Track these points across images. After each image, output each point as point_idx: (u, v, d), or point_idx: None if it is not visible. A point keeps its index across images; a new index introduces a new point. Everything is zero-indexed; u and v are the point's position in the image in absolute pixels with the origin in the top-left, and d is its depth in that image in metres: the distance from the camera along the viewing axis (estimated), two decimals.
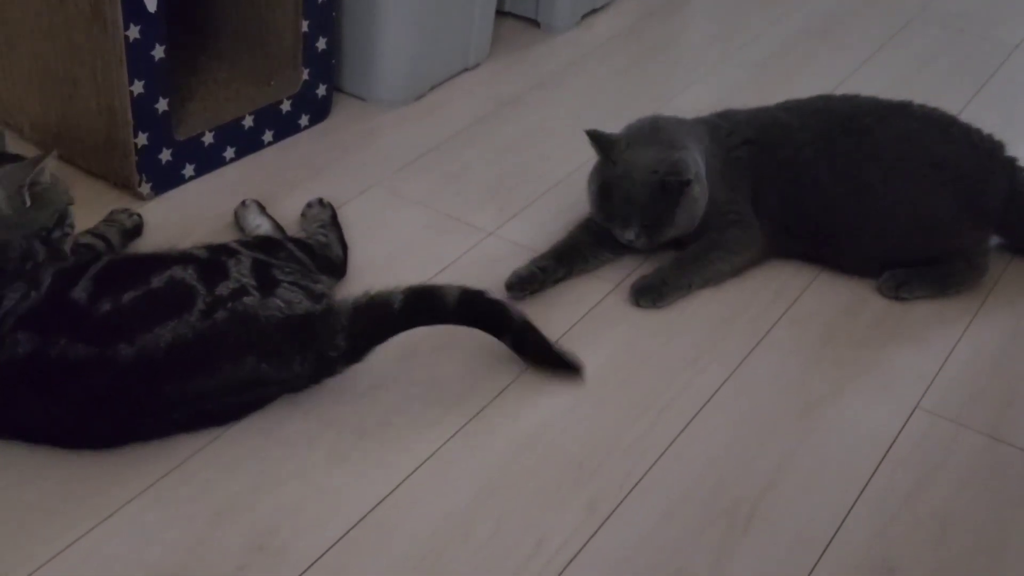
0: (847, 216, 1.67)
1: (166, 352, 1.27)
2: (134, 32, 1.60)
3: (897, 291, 1.67)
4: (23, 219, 1.34)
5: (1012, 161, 1.73)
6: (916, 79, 2.29)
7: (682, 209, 1.62)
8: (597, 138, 1.64)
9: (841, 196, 1.67)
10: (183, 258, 1.35)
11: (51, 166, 1.38)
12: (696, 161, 1.63)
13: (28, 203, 1.35)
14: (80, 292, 1.30)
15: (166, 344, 1.27)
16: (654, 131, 1.67)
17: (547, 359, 1.48)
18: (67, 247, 1.40)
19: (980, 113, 2.14)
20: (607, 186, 1.63)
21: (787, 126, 1.72)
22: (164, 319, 1.28)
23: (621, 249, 1.69)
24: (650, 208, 1.61)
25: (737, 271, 1.68)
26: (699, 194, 1.62)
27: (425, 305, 1.40)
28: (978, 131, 1.73)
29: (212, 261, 1.35)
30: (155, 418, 1.31)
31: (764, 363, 1.55)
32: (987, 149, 1.71)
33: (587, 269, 1.68)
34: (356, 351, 1.37)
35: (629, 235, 1.63)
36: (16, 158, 1.42)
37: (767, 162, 1.70)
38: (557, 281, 1.65)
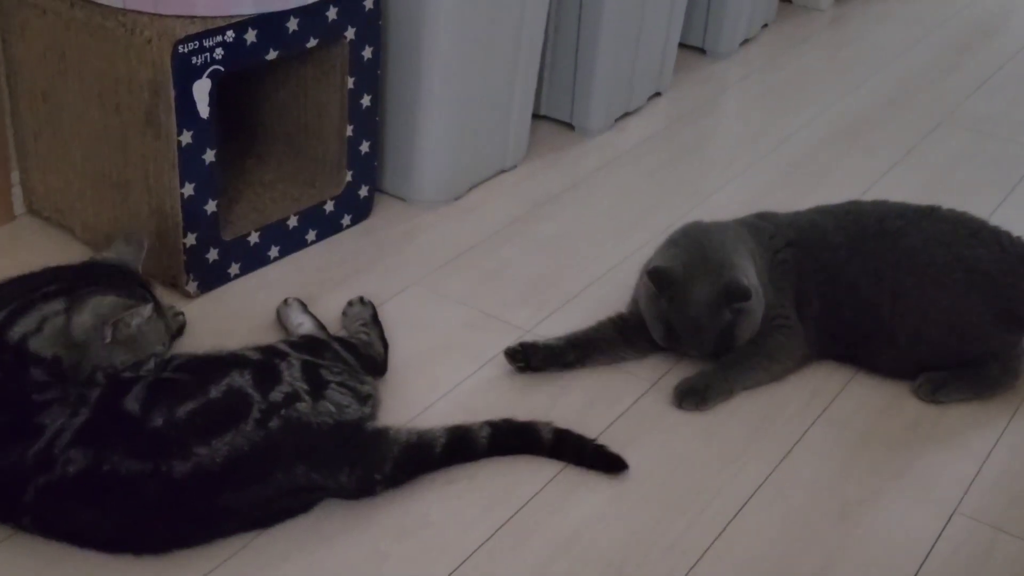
0: (881, 318, 1.69)
1: (222, 465, 1.29)
2: (186, 137, 1.66)
3: (934, 395, 1.68)
4: (97, 351, 1.35)
5: None
6: (946, 182, 2.32)
7: (745, 324, 1.65)
8: (658, 278, 1.64)
9: (875, 298, 1.69)
10: (237, 362, 1.37)
11: (146, 315, 1.38)
12: (749, 272, 1.66)
13: (108, 339, 1.36)
14: (133, 402, 1.31)
15: (222, 457, 1.29)
16: (704, 248, 1.68)
17: (588, 459, 1.50)
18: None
19: (1010, 215, 2.17)
20: (671, 320, 1.65)
21: (823, 228, 1.75)
22: (220, 431, 1.30)
23: (648, 349, 1.71)
24: (716, 332, 1.64)
25: (779, 377, 1.70)
26: (757, 305, 1.66)
27: (461, 446, 1.47)
28: (1008, 234, 1.76)
29: (265, 364, 1.38)
30: (205, 527, 1.33)
31: (801, 465, 1.56)
32: (1018, 253, 1.73)
33: (604, 362, 1.70)
34: (398, 480, 1.43)
35: (697, 355, 1.68)
36: (143, 288, 1.43)
37: (808, 264, 1.73)
38: (567, 366, 1.67)
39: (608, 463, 1.50)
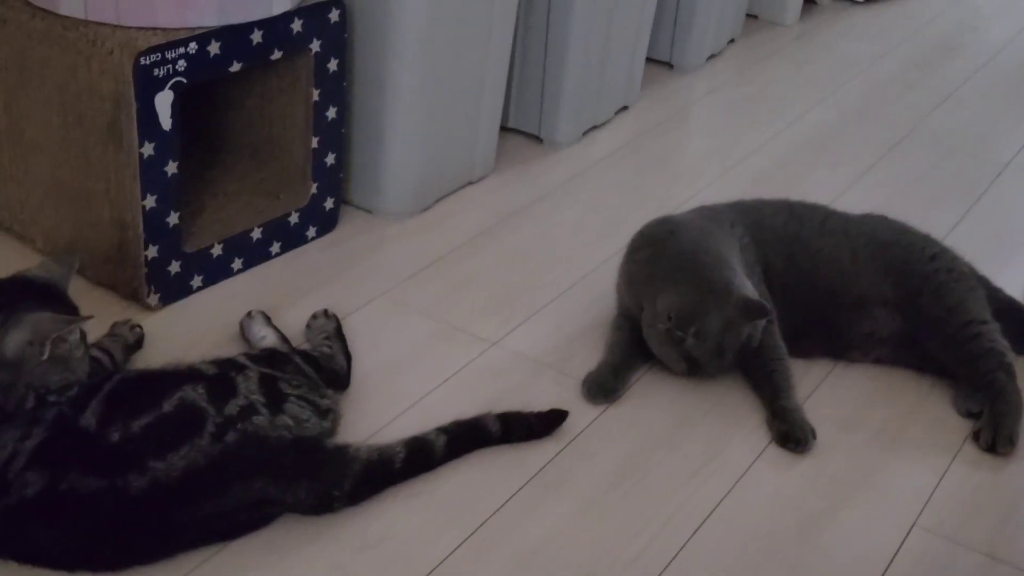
0: (816, 286, 1.76)
1: (178, 479, 1.28)
2: (148, 149, 1.65)
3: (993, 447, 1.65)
4: (31, 369, 1.31)
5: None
6: (908, 196, 2.34)
7: (757, 330, 1.66)
8: (679, 337, 1.63)
9: (808, 268, 1.77)
10: (192, 376, 1.37)
11: (84, 331, 1.35)
12: (744, 279, 1.67)
13: (44, 356, 1.32)
14: (89, 418, 1.30)
15: (178, 472, 1.28)
16: (694, 265, 1.67)
17: (536, 429, 1.55)
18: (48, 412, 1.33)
19: (971, 229, 2.19)
20: (692, 352, 1.63)
21: (762, 211, 1.84)
22: (176, 446, 1.29)
23: None
24: (736, 350, 1.64)
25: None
26: None
27: (420, 457, 1.48)
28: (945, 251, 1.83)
29: (220, 377, 1.37)
30: (163, 542, 1.32)
31: (763, 479, 1.56)
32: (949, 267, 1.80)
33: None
34: (357, 497, 1.42)
35: (715, 374, 1.69)
36: (71, 309, 1.40)
37: (760, 241, 1.78)
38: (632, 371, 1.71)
39: (552, 421, 1.56)
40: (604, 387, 1.66)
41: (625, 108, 2.59)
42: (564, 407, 1.61)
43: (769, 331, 1.69)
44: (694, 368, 1.66)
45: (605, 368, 1.69)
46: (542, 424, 1.56)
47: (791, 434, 1.61)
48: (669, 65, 2.83)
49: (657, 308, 1.65)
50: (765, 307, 1.63)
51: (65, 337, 1.33)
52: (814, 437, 1.62)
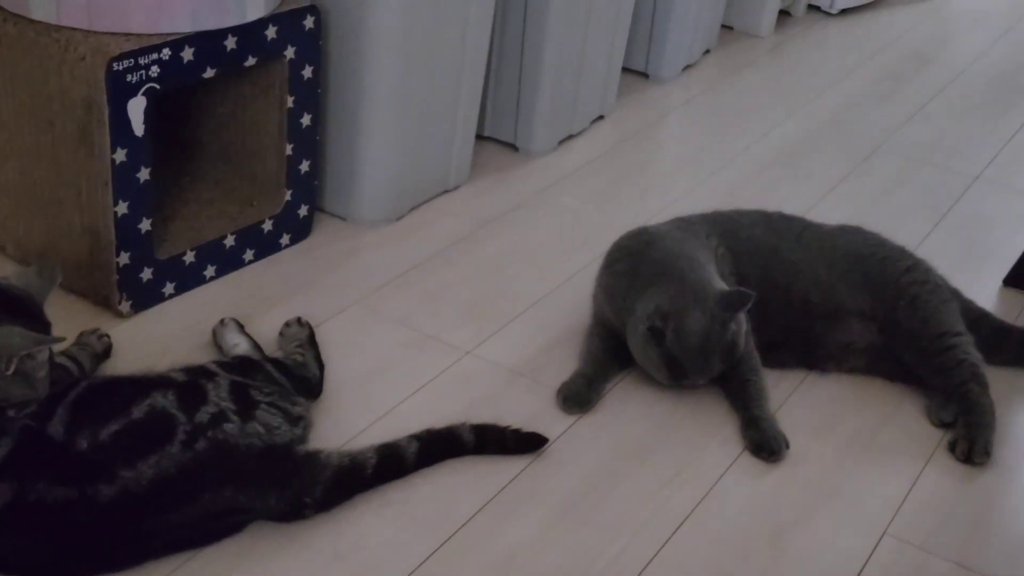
0: (792, 296, 1.77)
1: (148, 488, 1.27)
2: (121, 155, 1.64)
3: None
4: None
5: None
6: (880, 207, 2.36)
7: (741, 331, 1.66)
8: (658, 332, 1.63)
9: (784, 278, 1.77)
10: (162, 382, 1.36)
11: (56, 350, 1.32)
12: (716, 276, 1.69)
13: (10, 371, 1.28)
14: (57, 426, 1.28)
15: (148, 480, 1.27)
16: (673, 269, 1.68)
17: (511, 445, 1.55)
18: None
19: (942, 242, 2.21)
20: (676, 356, 1.64)
21: (738, 222, 1.85)
22: (145, 454, 1.28)
23: None
24: (721, 352, 1.64)
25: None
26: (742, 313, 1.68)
27: (392, 464, 1.47)
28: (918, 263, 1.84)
29: (190, 385, 1.36)
30: (133, 550, 1.31)
31: (735, 487, 1.57)
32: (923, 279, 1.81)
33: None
34: (329, 504, 1.41)
35: (703, 382, 1.68)
36: (44, 325, 1.37)
37: (738, 255, 1.79)
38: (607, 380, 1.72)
39: (529, 442, 1.55)
40: (579, 397, 1.66)
41: (601, 118, 2.60)
42: (537, 416, 1.61)
43: (745, 341, 1.69)
44: (678, 374, 1.66)
45: (580, 378, 1.69)
46: (518, 444, 1.55)
47: (764, 443, 1.61)
48: (645, 75, 2.84)
49: (638, 312, 1.65)
50: (747, 293, 1.63)
51: (34, 355, 1.30)
52: (787, 447, 1.62)
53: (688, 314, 1.62)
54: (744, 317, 1.67)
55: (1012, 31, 3.48)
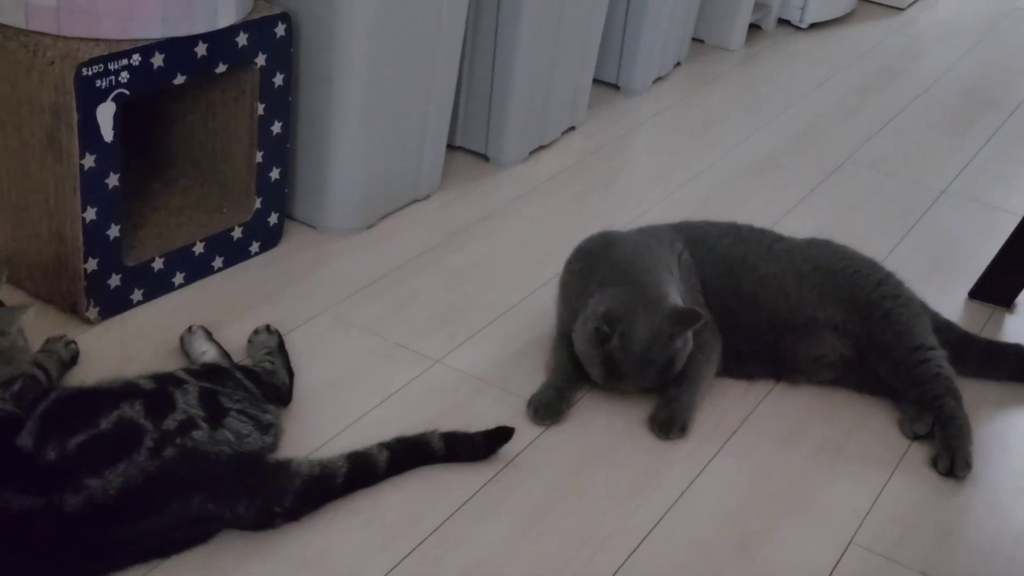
0: (757, 306, 1.78)
1: (115, 496, 1.26)
2: (89, 161, 1.63)
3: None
4: None
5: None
6: (847, 220, 2.38)
7: (684, 351, 1.67)
8: (603, 334, 1.63)
9: (749, 289, 1.78)
10: (129, 392, 1.35)
11: (28, 320, 1.33)
12: (676, 293, 1.69)
13: None
14: (26, 437, 1.28)
15: (115, 488, 1.26)
16: (631, 282, 1.69)
17: (482, 448, 1.55)
18: None
19: (908, 254, 2.23)
20: (617, 359, 1.64)
21: (706, 232, 1.86)
22: (112, 462, 1.27)
23: None
24: (661, 364, 1.64)
25: (714, 370, 1.74)
26: (691, 334, 1.68)
27: (362, 472, 1.47)
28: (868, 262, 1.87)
29: (158, 392, 1.36)
30: (100, 559, 1.29)
31: (704, 496, 1.57)
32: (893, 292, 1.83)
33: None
34: (298, 513, 1.41)
35: (634, 390, 1.69)
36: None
37: (702, 261, 1.80)
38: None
39: (498, 439, 1.55)
40: (550, 408, 1.66)
41: (572, 129, 2.61)
42: (507, 424, 1.61)
43: (703, 339, 1.71)
44: (613, 375, 1.66)
45: (550, 389, 1.69)
46: (488, 443, 1.56)
47: (657, 418, 1.65)
48: (616, 87, 2.86)
49: (587, 309, 1.66)
50: (699, 312, 1.64)
51: (5, 330, 1.31)
52: (682, 432, 1.64)
53: (636, 322, 1.62)
54: (691, 336, 1.67)
55: (979, 46, 3.52)
